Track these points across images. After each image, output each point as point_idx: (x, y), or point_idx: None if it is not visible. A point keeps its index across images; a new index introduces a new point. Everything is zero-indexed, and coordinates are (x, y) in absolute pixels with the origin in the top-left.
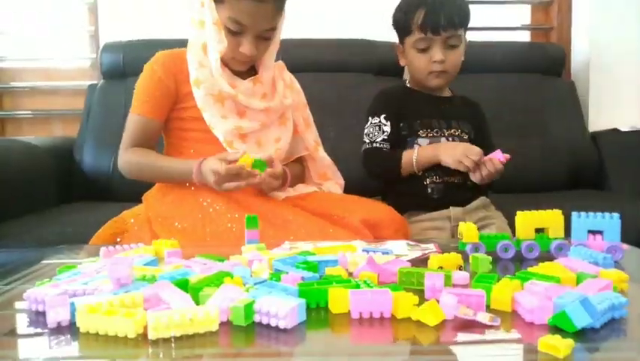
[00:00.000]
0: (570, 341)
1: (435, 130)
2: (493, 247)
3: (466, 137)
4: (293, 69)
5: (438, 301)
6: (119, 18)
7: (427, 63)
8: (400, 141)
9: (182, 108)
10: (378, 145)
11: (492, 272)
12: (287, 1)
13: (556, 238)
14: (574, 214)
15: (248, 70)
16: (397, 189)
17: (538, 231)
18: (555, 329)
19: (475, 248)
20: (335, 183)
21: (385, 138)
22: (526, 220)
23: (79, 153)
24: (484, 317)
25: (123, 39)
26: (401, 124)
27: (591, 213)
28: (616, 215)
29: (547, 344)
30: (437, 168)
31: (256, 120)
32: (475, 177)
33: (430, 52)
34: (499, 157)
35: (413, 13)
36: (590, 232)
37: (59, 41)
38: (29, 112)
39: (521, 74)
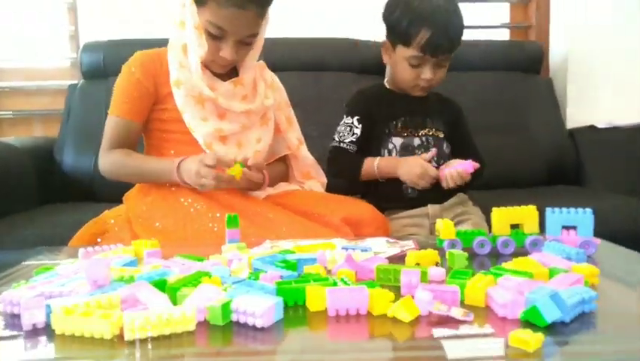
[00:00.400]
0: (540, 336)
1: (410, 130)
2: (470, 243)
3: (441, 135)
4: (275, 68)
5: (413, 298)
6: (98, 18)
7: (414, 78)
8: (373, 140)
9: (162, 109)
10: (345, 146)
11: (468, 268)
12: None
13: (531, 234)
14: (548, 210)
15: (229, 71)
16: (376, 189)
17: (514, 227)
18: (527, 323)
19: (452, 244)
20: (317, 182)
21: (354, 140)
22: (502, 216)
23: (59, 153)
24: (457, 313)
25: (103, 39)
26: (377, 123)
27: (565, 209)
28: (589, 210)
29: (518, 339)
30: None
31: (237, 122)
32: (442, 184)
33: (421, 68)
34: (467, 168)
35: (417, 29)
36: (564, 227)
37: (39, 41)
38: (10, 112)
39: (501, 72)
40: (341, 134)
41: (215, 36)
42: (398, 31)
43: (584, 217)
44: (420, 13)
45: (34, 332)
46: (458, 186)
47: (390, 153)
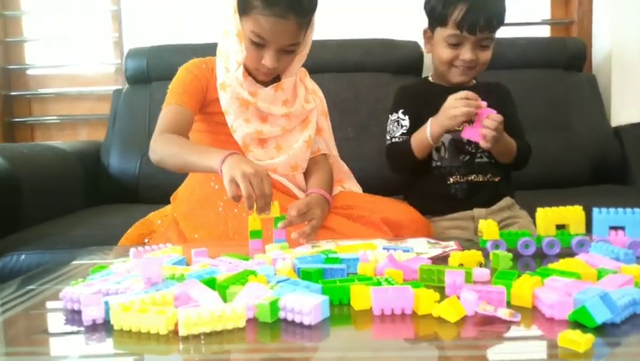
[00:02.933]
0: (590, 336)
1: None
2: (514, 244)
3: None
4: (311, 70)
5: (458, 298)
6: (141, 24)
7: (453, 58)
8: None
9: (208, 113)
10: (397, 140)
11: (512, 269)
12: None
13: (577, 234)
14: (595, 210)
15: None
16: (420, 190)
17: (559, 227)
18: (575, 324)
19: (496, 245)
20: (354, 186)
21: (404, 132)
22: (547, 217)
23: (106, 156)
24: (504, 313)
25: (146, 45)
26: (422, 119)
27: (612, 209)
28: (638, 210)
29: (567, 339)
30: (461, 166)
31: (277, 125)
32: (483, 144)
33: (461, 49)
34: (487, 113)
35: (453, 6)
36: (611, 227)
37: (84, 48)
38: (56, 117)
39: (542, 69)
40: (391, 132)
41: (257, 44)
42: (436, 12)
43: (632, 218)
44: None
45: (93, 327)
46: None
47: (438, 150)
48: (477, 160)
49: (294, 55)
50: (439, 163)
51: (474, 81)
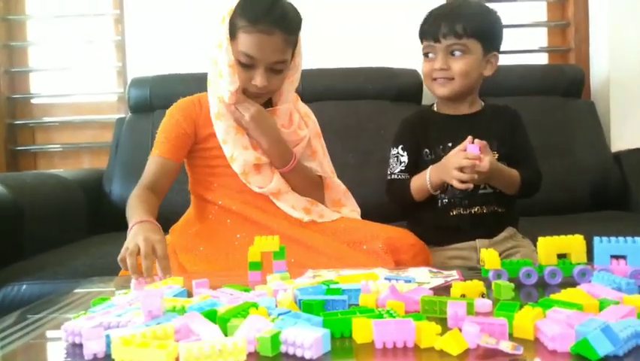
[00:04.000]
0: None
1: None
2: (516, 274)
3: (495, 155)
4: (313, 98)
5: (460, 330)
6: (145, 54)
7: (429, 70)
8: (424, 167)
9: (205, 148)
10: (396, 177)
11: (515, 299)
12: (301, 32)
13: (578, 263)
14: (596, 239)
15: (265, 104)
16: (422, 220)
17: (561, 256)
18: (578, 357)
19: (498, 275)
20: (352, 211)
21: (403, 168)
22: (548, 246)
23: (108, 184)
24: (506, 346)
25: (150, 74)
26: (424, 150)
27: (613, 238)
28: (639, 239)
29: None
30: (463, 198)
31: None
32: (456, 184)
33: (434, 60)
34: (473, 150)
35: (424, 22)
36: (613, 256)
37: (88, 77)
38: (60, 146)
39: (541, 96)
40: (391, 167)
41: (246, 65)
42: (419, 33)
43: (633, 246)
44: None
45: None
46: (478, 178)
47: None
48: (480, 191)
49: (283, 76)
50: (441, 195)
51: (482, 104)
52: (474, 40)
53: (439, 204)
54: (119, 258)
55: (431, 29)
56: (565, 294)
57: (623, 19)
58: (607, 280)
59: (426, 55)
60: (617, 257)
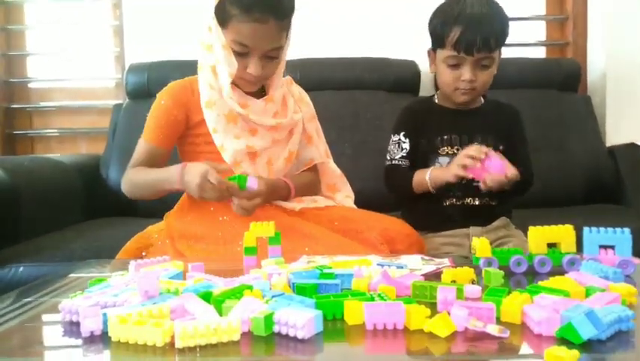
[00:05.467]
0: (575, 352)
1: (456, 147)
2: (506, 262)
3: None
4: (310, 87)
5: (449, 314)
6: (143, 40)
7: (454, 80)
8: (421, 157)
9: (195, 135)
10: (396, 162)
11: (504, 286)
12: (298, 21)
13: (568, 253)
14: (585, 229)
15: (258, 91)
16: (416, 209)
17: (551, 246)
18: (562, 340)
19: (488, 263)
20: (346, 197)
21: (404, 155)
22: (539, 235)
23: (105, 169)
24: (493, 329)
25: (147, 60)
26: (422, 140)
27: (602, 229)
28: (627, 230)
29: (553, 355)
30: (457, 189)
31: (268, 138)
32: (482, 186)
33: (460, 69)
34: (500, 171)
35: (449, 28)
36: (601, 246)
37: (86, 62)
38: (57, 130)
39: (537, 89)
40: (391, 153)
41: (240, 54)
42: (434, 34)
43: (621, 237)
44: (452, 12)
45: (91, 339)
46: (498, 191)
47: None
48: (474, 184)
49: (278, 61)
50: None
51: (482, 100)
52: (498, 50)
53: (434, 194)
54: (203, 198)
55: (463, 42)
56: (553, 281)
57: (622, 14)
58: (595, 268)
59: (453, 66)
60: (605, 247)
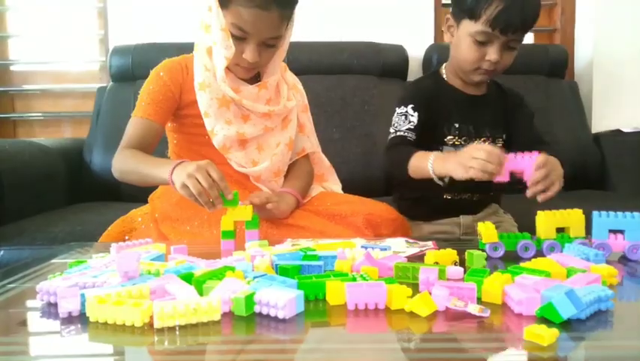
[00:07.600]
0: (555, 331)
1: (463, 138)
2: (514, 247)
3: (499, 144)
4: (298, 71)
5: (430, 294)
6: (127, 22)
7: (478, 58)
8: (424, 140)
9: (186, 115)
10: (402, 134)
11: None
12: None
13: (577, 237)
14: (595, 213)
15: (252, 77)
16: (409, 198)
17: (559, 230)
18: (543, 320)
19: (495, 247)
20: (334, 185)
21: (411, 127)
22: (548, 220)
23: (88, 154)
24: (474, 309)
25: (132, 43)
26: (429, 122)
27: (612, 213)
28: (637, 214)
29: (533, 333)
30: (457, 185)
31: (259, 125)
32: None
33: (487, 47)
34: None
35: (489, 2)
36: (611, 231)
37: (69, 45)
38: (40, 114)
39: (524, 75)
40: (396, 125)
41: (238, 38)
42: (467, 4)
43: (632, 221)
44: None
45: (69, 320)
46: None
47: None
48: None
49: (276, 49)
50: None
51: (485, 86)
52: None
53: (433, 186)
54: (195, 193)
55: (502, 20)
56: (535, 262)
57: (609, 1)
58: (577, 251)
59: (480, 42)
60: (614, 232)
